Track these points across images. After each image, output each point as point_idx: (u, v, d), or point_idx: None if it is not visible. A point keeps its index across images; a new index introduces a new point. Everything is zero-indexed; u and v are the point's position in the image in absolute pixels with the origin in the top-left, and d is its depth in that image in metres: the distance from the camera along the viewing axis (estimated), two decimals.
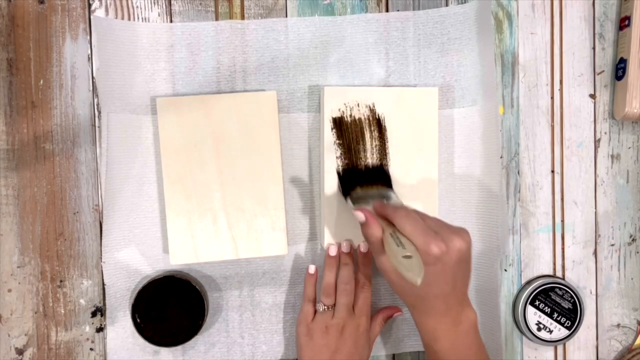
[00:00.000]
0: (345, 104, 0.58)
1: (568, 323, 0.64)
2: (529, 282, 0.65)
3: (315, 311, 0.58)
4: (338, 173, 0.58)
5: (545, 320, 0.64)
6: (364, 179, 0.58)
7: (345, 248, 0.58)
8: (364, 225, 0.52)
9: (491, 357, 0.63)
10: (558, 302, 0.64)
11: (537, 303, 0.64)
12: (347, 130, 0.58)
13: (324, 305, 0.57)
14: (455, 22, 0.62)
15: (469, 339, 0.51)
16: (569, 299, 0.64)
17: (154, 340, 0.57)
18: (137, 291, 0.57)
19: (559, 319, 0.64)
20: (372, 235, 0.51)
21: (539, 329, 0.64)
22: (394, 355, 0.64)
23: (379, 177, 0.58)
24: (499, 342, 0.63)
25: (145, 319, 0.57)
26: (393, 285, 0.52)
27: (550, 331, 0.64)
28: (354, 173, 0.58)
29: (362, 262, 0.58)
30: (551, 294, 0.64)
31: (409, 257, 0.47)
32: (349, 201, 0.55)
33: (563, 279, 0.65)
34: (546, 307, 0.64)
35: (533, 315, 0.64)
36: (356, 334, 0.56)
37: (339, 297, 0.57)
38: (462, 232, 0.48)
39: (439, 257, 0.46)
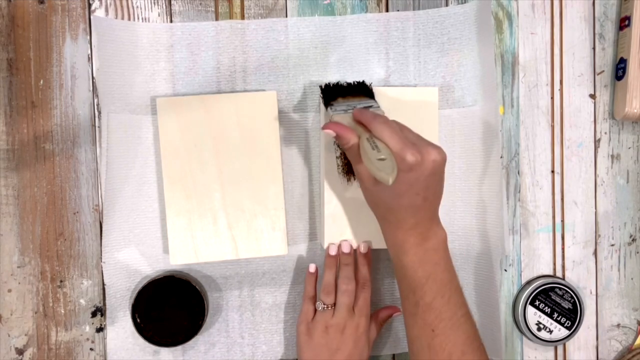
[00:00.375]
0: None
1: (568, 323, 0.64)
2: (529, 282, 0.65)
3: (316, 310, 0.58)
4: (320, 87, 0.57)
5: (545, 320, 0.64)
6: (346, 91, 0.57)
7: (345, 248, 0.58)
8: (337, 138, 0.51)
9: (491, 357, 0.63)
10: (558, 302, 0.64)
11: (537, 303, 0.64)
12: None
13: (324, 304, 0.57)
14: (455, 22, 0.62)
15: (437, 255, 0.51)
16: (569, 299, 0.64)
17: (154, 340, 0.57)
18: (137, 291, 0.57)
19: (559, 319, 0.64)
20: (347, 142, 0.50)
21: (539, 329, 0.64)
22: (393, 355, 0.64)
23: (362, 91, 0.58)
24: (499, 342, 0.63)
25: (145, 319, 0.57)
26: (367, 194, 0.52)
27: (550, 331, 0.64)
28: (336, 87, 0.57)
29: (362, 262, 0.58)
30: (551, 294, 0.64)
31: (383, 159, 0.47)
32: (329, 110, 0.54)
33: (563, 279, 0.65)
34: (546, 307, 0.64)
35: (533, 315, 0.64)
36: (356, 334, 0.56)
37: (339, 297, 0.57)
38: (438, 147, 0.48)
39: (413, 165, 0.46)
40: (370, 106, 0.54)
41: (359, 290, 0.58)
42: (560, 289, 0.64)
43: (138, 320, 0.57)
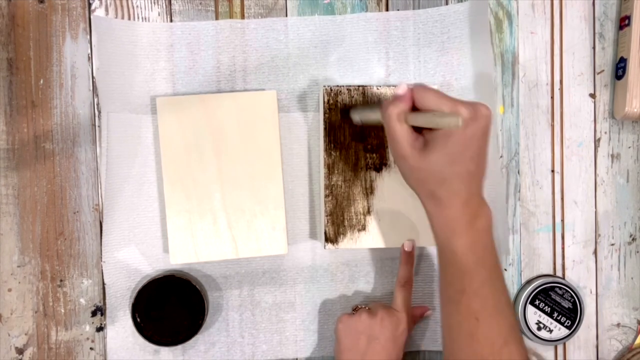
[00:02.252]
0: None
1: (568, 322, 0.64)
2: (529, 282, 0.65)
3: (357, 307, 0.58)
4: (341, 111, 0.57)
5: (545, 319, 0.64)
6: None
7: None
8: (396, 99, 0.48)
9: None
10: (558, 301, 0.64)
11: (537, 302, 0.64)
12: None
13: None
14: (455, 21, 0.62)
15: (487, 237, 0.48)
16: (569, 298, 0.64)
17: (154, 339, 0.57)
18: (137, 290, 0.57)
19: (559, 318, 0.64)
20: (400, 109, 0.47)
21: (539, 329, 0.64)
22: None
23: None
24: None
25: (145, 318, 0.57)
26: (412, 172, 0.48)
27: (550, 331, 0.64)
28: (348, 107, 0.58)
29: (406, 261, 0.58)
30: (551, 294, 0.64)
31: (440, 114, 0.45)
32: (356, 116, 0.54)
33: (563, 278, 0.65)
34: (546, 307, 0.64)
35: (533, 315, 0.64)
36: (396, 328, 0.55)
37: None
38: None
39: (468, 120, 0.44)
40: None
41: (400, 288, 0.58)
42: (560, 288, 0.64)
43: (138, 320, 0.57)
